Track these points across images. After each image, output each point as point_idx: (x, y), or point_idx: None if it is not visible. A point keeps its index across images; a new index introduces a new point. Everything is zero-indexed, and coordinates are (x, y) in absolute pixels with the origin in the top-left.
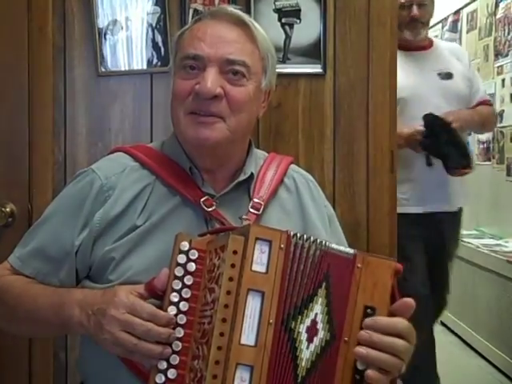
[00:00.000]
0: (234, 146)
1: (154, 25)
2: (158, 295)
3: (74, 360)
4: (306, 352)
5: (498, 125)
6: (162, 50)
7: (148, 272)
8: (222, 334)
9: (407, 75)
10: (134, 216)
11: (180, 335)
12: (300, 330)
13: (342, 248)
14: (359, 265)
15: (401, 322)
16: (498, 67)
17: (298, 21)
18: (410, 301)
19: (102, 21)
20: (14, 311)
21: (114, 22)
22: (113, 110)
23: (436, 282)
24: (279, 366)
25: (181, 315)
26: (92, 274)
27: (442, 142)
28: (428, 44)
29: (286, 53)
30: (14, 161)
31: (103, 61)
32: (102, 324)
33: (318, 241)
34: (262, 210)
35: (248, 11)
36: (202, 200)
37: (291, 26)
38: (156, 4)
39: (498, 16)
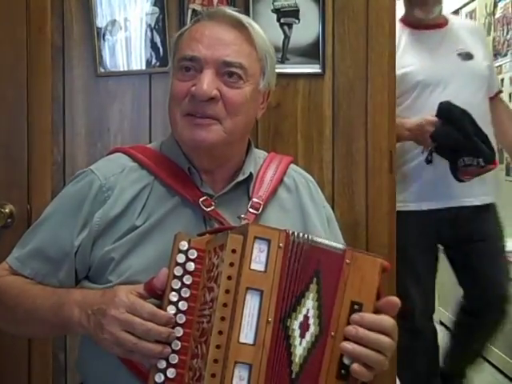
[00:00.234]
0: (232, 147)
1: (152, 25)
2: (157, 295)
3: (73, 360)
4: (300, 348)
5: None
6: (161, 50)
7: (147, 272)
8: (220, 333)
9: (422, 57)
10: (134, 216)
11: (179, 334)
12: (294, 327)
13: (331, 243)
14: (348, 260)
15: (386, 320)
16: (496, 67)
17: (297, 21)
18: (394, 299)
19: (101, 21)
20: (13, 312)
21: (113, 22)
22: (112, 111)
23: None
24: (276, 364)
25: (180, 314)
26: (91, 274)
27: (470, 134)
28: (444, 22)
29: (284, 53)
30: (12, 161)
31: (102, 61)
32: (102, 324)
33: (309, 236)
34: (261, 209)
35: (247, 11)
36: (200, 200)
37: (290, 26)
38: (155, 4)
39: (496, 16)
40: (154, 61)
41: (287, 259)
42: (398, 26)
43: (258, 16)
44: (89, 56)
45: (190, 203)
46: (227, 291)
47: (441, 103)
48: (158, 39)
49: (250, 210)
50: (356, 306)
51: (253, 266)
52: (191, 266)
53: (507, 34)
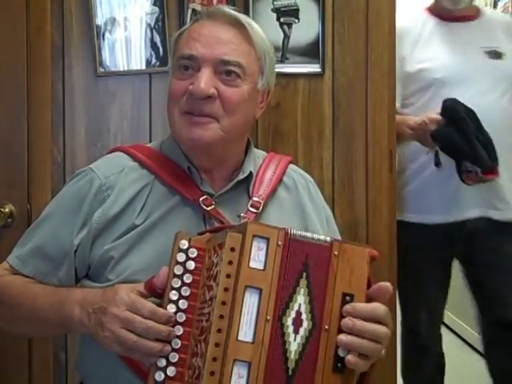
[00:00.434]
0: (230, 146)
1: (152, 25)
2: (157, 293)
3: (73, 360)
4: (294, 344)
5: None
6: (161, 49)
7: (147, 271)
8: (219, 331)
9: (444, 52)
10: (133, 215)
11: (179, 333)
12: (288, 323)
13: (318, 236)
14: (336, 252)
15: (379, 308)
16: None
17: (297, 20)
18: (386, 285)
19: (101, 21)
20: (13, 311)
21: (113, 22)
22: (111, 110)
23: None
24: (274, 361)
25: (180, 313)
26: (91, 273)
27: (471, 137)
28: (475, 14)
29: (284, 52)
30: (12, 161)
31: (102, 61)
32: (103, 322)
33: (295, 231)
34: (261, 208)
35: (246, 11)
36: (200, 199)
37: (290, 25)
38: (154, 4)
39: None
40: (153, 60)
41: (286, 257)
42: (424, 14)
43: (258, 15)
44: (88, 56)
45: (190, 202)
46: (226, 289)
47: (445, 100)
48: (157, 39)
49: (250, 208)
50: (347, 298)
51: (252, 265)
52: (191, 264)
53: None
